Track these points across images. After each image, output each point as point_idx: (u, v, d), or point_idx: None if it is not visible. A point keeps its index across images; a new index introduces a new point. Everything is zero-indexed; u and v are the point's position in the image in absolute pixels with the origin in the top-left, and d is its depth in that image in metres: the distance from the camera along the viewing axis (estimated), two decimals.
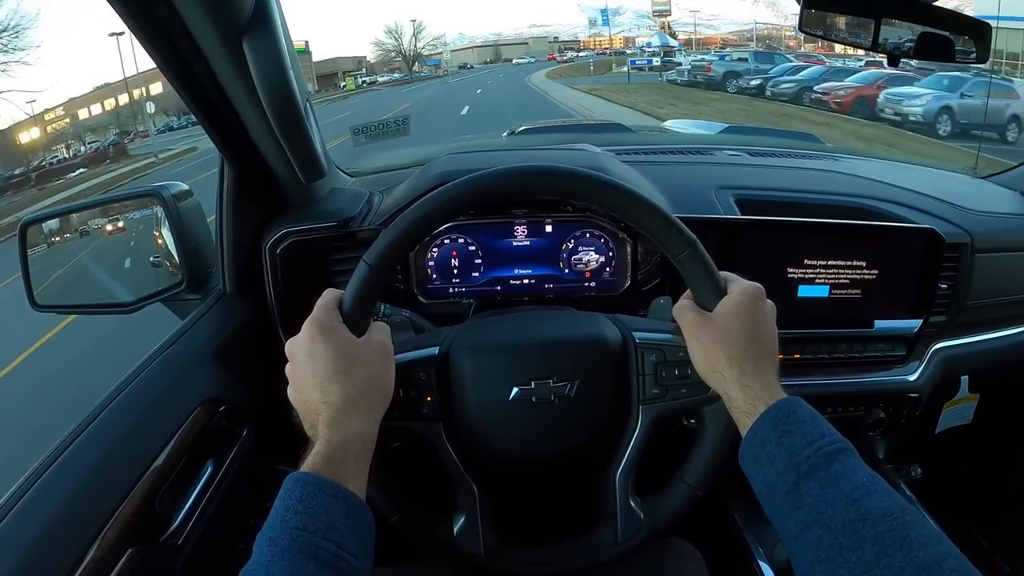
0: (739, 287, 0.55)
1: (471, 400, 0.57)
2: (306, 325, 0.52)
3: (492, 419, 0.57)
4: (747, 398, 0.51)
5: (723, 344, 0.52)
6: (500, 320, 0.65)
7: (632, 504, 0.59)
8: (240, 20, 0.58)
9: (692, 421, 0.65)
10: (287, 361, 0.54)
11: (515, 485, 0.62)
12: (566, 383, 0.56)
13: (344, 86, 38.46)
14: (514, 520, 0.64)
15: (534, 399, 0.56)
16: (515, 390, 0.56)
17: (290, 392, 0.53)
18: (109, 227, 0.97)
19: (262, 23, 0.58)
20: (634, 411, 0.58)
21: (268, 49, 0.58)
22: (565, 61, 48.72)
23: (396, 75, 45.91)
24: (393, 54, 50.89)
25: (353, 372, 0.50)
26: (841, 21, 0.98)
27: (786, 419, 0.48)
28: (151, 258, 0.98)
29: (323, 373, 0.50)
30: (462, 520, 0.59)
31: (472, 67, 54.54)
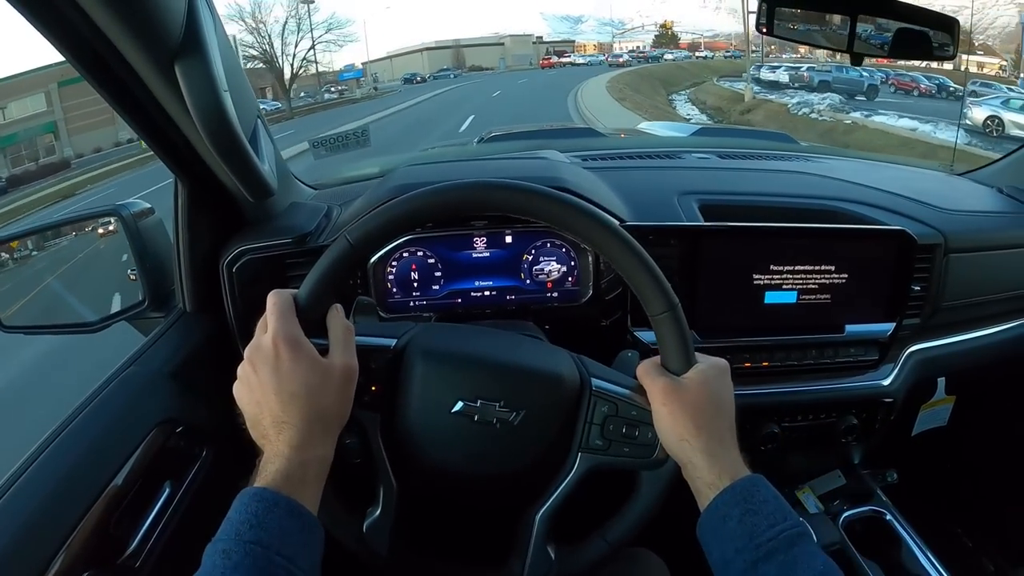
0: (709, 359, 0.56)
1: (414, 402, 0.56)
2: (271, 336, 0.51)
3: (429, 425, 0.56)
4: (713, 470, 0.50)
5: (692, 413, 0.52)
6: (464, 331, 0.64)
7: (547, 548, 0.58)
8: (171, 44, 0.56)
9: None
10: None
11: (436, 496, 0.61)
12: (512, 411, 0.55)
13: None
14: (426, 531, 0.63)
15: (476, 418, 0.55)
16: (459, 404, 0.55)
17: (240, 392, 0.53)
18: (71, 244, 0.97)
19: (193, 47, 0.57)
20: (572, 456, 0.57)
21: (199, 72, 0.57)
22: (624, 64, 38.00)
23: (267, 105, 22.59)
24: (259, 63, 26.65)
25: (318, 396, 0.50)
26: (805, 20, 0.97)
27: (750, 497, 0.49)
28: (128, 272, 0.97)
29: (287, 392, 0.50)
30: (375, 515, 0.57)
31: (423, 79, 37.99)
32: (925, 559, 0.95)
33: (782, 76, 19.57)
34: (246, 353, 0.53)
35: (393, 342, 0.57)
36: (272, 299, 0.53)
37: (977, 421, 1.16)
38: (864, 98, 15.37)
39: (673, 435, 0.52)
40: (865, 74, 15.93)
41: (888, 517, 1.00)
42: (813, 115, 13.87)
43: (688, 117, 15.62)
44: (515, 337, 0.63)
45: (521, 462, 0.57)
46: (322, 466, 0.50)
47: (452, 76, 40.94)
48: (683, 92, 22.45)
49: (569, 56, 50.68)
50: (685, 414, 0.52)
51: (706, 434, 0.52)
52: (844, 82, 16.18)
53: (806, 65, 18.89)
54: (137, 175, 11.21)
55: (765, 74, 20.24)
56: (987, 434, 1.21)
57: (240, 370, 0.53)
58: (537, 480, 0.58)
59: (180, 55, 0.57)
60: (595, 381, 0.57)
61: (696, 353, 0.56)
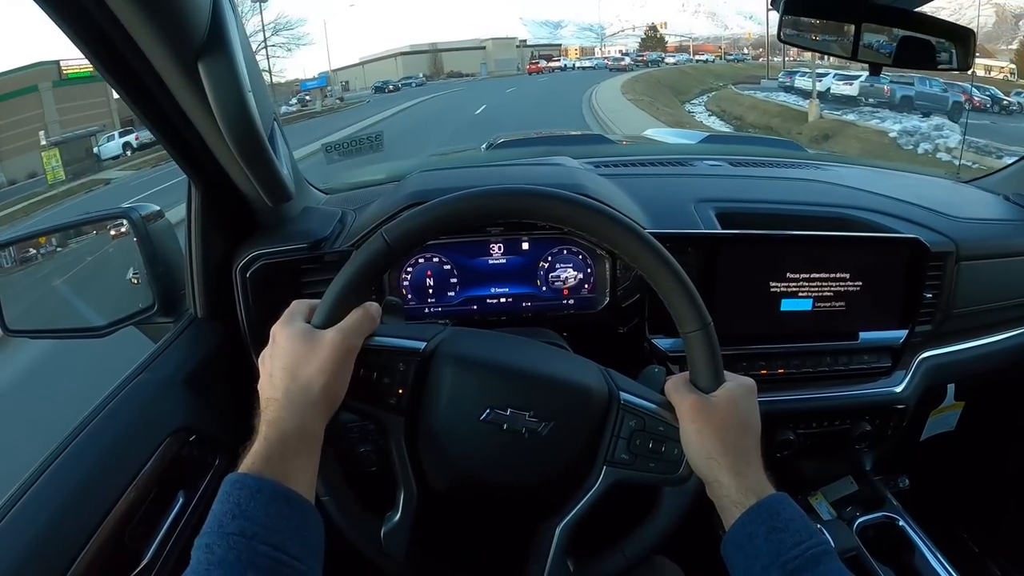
0: (738, 378, 0.56)
1: (442, 407, 0.55)
2: (273, 333, 0.53)
3: (456, 432, 0.55)
4: (739, 487, 0.50)
5: (721, 431, 0.52)
6: (495, 337, 0.63)
7: (566, 561, 0.58)
8: (195, 43, 0.56)
9: None
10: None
11: (456, 503, 0.60)
12: (541, 421, 0.55)
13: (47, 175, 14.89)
14: (444, 538, 0.63)
15: (505, 426, 0.55)
16: (488, 411, 0.55)
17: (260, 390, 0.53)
18: (80, 247, 0.95)
19: (218, 45, 0.56)
20: (597, 469, 0.56)
21: (224, 72, 0.56)
22: (625, 68, 34.47)
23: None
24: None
25: (302, 365, 0.50)
26: (820, 29, 0.97)
27: (776, 515, 0.49)
28: (131, 273, 0.96)
29: (277, 368, 0.50)
30: (394, 520, 0.56)
31: (396, 87, 32.69)
32: (938, 564, 0.96)
33: (841, 87, 15.08)
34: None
35: (422, 345, 0.56)
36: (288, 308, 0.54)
37: (985, 426, 1.17)
38: (948, 119, 11.98)
39: (701, 453, 0.52)
40: (946, 90, 13.44)
41: (900, 523, 1.00)
42: (940, 154, 9.76)
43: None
44: (545, 347, 0.63)
45: (546, 473, 0.56)
46: (303, 439, 0.48)
47: (414, 85, 34.23)
48: (696, 101, 20.14)
49: (559, 60, 46.73)
50: (714, 433, 0.52)
51: (733, 453, 0.52)
52: (927, 98, 13.37)
53: (886, 78, 13.95)
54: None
55: (805, 83, 16.48)
56: (995, 439, 1.22)
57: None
58: (560, 492, 0.57)
59: (204, 54, 0.56)
60: (623, 395, 0.57)
61: (725, 371, 0.56)
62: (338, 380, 0.51)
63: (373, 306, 0.55)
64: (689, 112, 17.64)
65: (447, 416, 0.55)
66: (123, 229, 0.88)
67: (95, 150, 18.10)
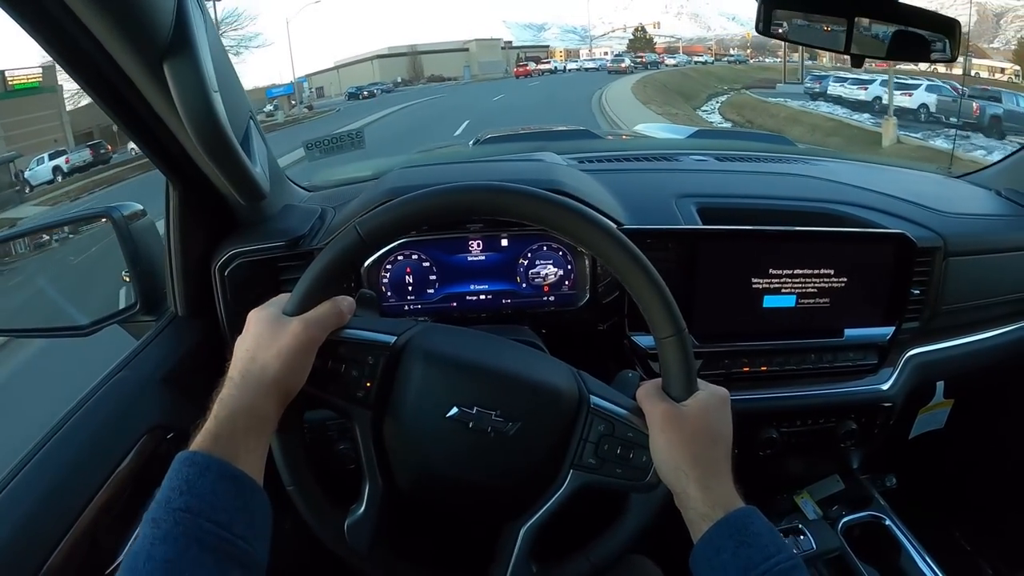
0: (711, 388, 0.55)
1: (409, 402, 0.55)
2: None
3: (423, 428, 0.55)
4: (707, 500, 0.50)
5: (691, 442, 0.51)
6: (466, 335, 0.63)
7: (529, 563, 0.57)
8: (159, 44, 0.55)
9: None
10: None
11: (421, 499, 0.59)
12: (508, 421, 0.54)
13: None
14: (407, 534, 0.63)
15: (471, 425, 0.54)
16: (455, 409, 0.55)
17: None
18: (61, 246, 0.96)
19: (182, 46, 0.56)
20: (563, 472, 0.56)
21: (188, 73, 0.56)
22: (625, 70, 31.69)
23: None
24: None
25: (262, 349, 0.50)
26: (809, 23, 0.96)
27: (744, 529, 0.48)
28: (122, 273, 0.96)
29: (240, 349, 0.51)
30: (358, 513, 0.56)
31: (371, 94, 29.47)
32: (924, 564, 0.95)
33: (899, 97, 12.14)
34: None
35: (393, 339, 0.56)
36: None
37: (976, 424, 1.15)
38: None
39: (669, 463, 0.52)
40: None
41: (887, 522, 0.99)
42: None
43: None
44: (517, 346, 0.62)
45: (512, 473, 0.56)
46: (251, 419, 0.48)
47: (378, 93, 30.32)
48: (708, 107, 18.11)
49: (548, 62, 42.60)
50: (683, 443, 0.51)
51: (702, 464, 0.51)
52: (1018, 119, 10.64)
53: (966, 90, 11.43)
54: None
55: (843, 91, 13.73)
56: (986, 437, 1.21)
57: None
58: (526, 493, 0.57)
59: (169, 55, 0.56)
60: (594, 399, 0.56)
61: (698, 380, 0.55)
62: (293, 368, 0.51)
63: (345, 300, 0.55)
64: (708, 121, 15.54)
65: (414, 412, 0.55)
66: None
67: (26, 175, 15.03)
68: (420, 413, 0.55)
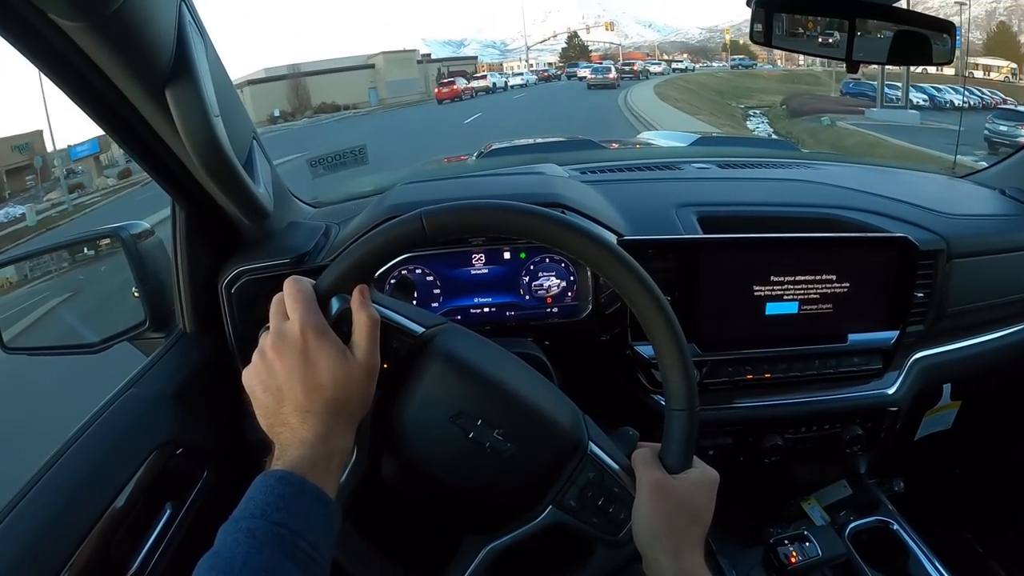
0: (704, 468, 0.56)
1: (418, 393, 0.55)
2: (298, 324, 0.50)
3: (423, 421, 0.56)
4: (678, 570, 0.51)
5: (674, 515, 0.53)
6: (490, 348, 0.63)
7: None
8: (161, 71, 0.57)
9: None
10: (249, 401, 0.52)
11: (399, 490, 0.60)
12: (508, 442, 0.55)
13: None
14: (378, 521, 0.63)
15: (471, 434, 0.55)
16: (460, 415, 0.55)
17: (255, 380, 0.51)
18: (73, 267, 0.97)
19: (182, 73, 0.57)
20: (542, 506, 0.56)
21: (189, 99, 0.57)
22: (613, 82, 24.50)
23: None
24: None
25: (344, 389, 0.50)
26: (804, 28, 0.96)
27: None
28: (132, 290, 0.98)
29: (312, 382, 0.49)
30: (339, 480, 0.55)
31: None
32: (933, 568, 0.94)
33: None
34: (268, 340, 0.51)
35: (421, 330, 0.57)
36: (292, 286, 0.52)
37: (983, 425, 1.15)
38: None
39: (648, 530, 0.53)
40: None
41: (895, 527, 0.99)
42: None
43: None
44: (534, 374, 0.62)
45: (495, 492, 0.56)
46: (344, 458, 0.51)
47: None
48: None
49: (486, 77, 30.43)
50: (666, 513, 0.52)
51: (679, 538, 0.52)
52: None
53: None
54: None
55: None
56: (994, 438, 1.20)
57: (258, 358, 0.51)
58: (501, 514, 0.57)
59: (170, 82, 0.57)
60: (592, 446, 0.57)
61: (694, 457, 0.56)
62: (371, 398, 0.53)
63: (367, 300, 0.54)
64: None
65: (420, 404, 0.55)
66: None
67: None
68: (426, 408, 0.55)
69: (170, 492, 0.74)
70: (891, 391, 0.94)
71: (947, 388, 1.04)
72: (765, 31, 0.93)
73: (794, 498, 1.02)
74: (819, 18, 0.96)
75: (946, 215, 1.01)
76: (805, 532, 0.89)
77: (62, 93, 0.60)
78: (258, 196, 0.70)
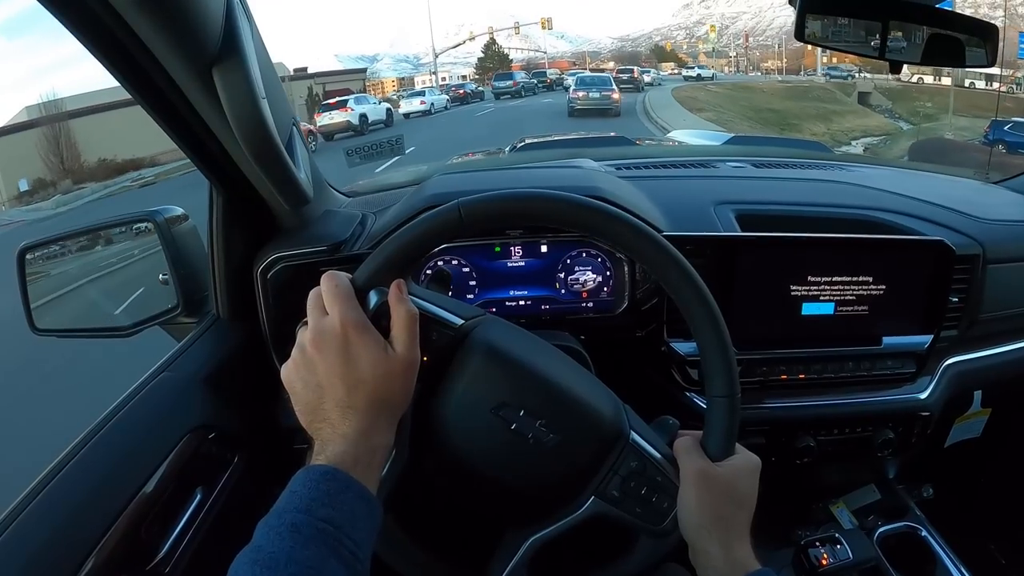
0: (747, 454, 0.56)
1: (459, 386, 0.55)
2: (338, 320, 0.49)
3: (464, 415, 0.55)
4: (727, 560, 0.51)
5: (719, 503, 0.52)
6: (531, 339, 0.62)
7: (525, 573, 0.57)
8: (209, 52, 0.56)
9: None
10: (281, 386, 0.52)
11: (439, 484, 0.59)
12: (550, 433, 0.54)
13: None
14: (418, 515, 0.62)
15: (513, 426, 0.54)
16: (502, 407, 0.54)
17: (295, 376, 0.51)
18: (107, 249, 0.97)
19: (231, 54, 0.57)
20: (584, 496, 0.56)
21: (237, 80, 0.57)
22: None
23: None
24: None
25: (385, 385, 0.49)
26: (841, 28, 0.95)
27: None
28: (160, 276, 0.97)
29: (354, 378, 0.48)
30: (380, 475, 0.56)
31: None
32: (959, 575, 0.93)
33: None
34: (307, 336, 0.51)
35: (460, 322, 0.56)
36: (330, 281, 0.51)
37: (1014, 434, 1.14)
38: None
39: (694, 518, 0.52)
40: None
41: (923, 533, 0.98)
42: None
43: None
44: (574, 365, 0.62)
45: (537, 483, 0.56)
46: (386, 454, 0.50)
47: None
48: None
49: (349, 105, 17.71)
50: (712, 502, 0.52)
51: (726, 526, 0.52)
52: None
53: None
54: None
55: None
56: (1022, 448, 1.19)
57: (297, 353, 0.51)
58: (543, 506, 0.57)
59: (218, 63, 0.57)
60: (633, 435, 0.57)
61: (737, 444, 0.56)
62: (410, 395, 0.52)
63: (404, 294, 0.53)
64: None
65: (462, 397, 0.55)
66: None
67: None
68: (467, 401, 0.55)
69: (201, 477, 0.73)
70: (924, 396, 0.93)
71: (978, 395, 1.03)
72: (799, 29, 0.93)
73: (822, 501, 1.01)
74: (858, 17, 0.96)
75: (982, 220, 1.00)
76: (836, 535, 0.88)
77: (111, 77, 0.60)
78: (300, 181, 0.70)
